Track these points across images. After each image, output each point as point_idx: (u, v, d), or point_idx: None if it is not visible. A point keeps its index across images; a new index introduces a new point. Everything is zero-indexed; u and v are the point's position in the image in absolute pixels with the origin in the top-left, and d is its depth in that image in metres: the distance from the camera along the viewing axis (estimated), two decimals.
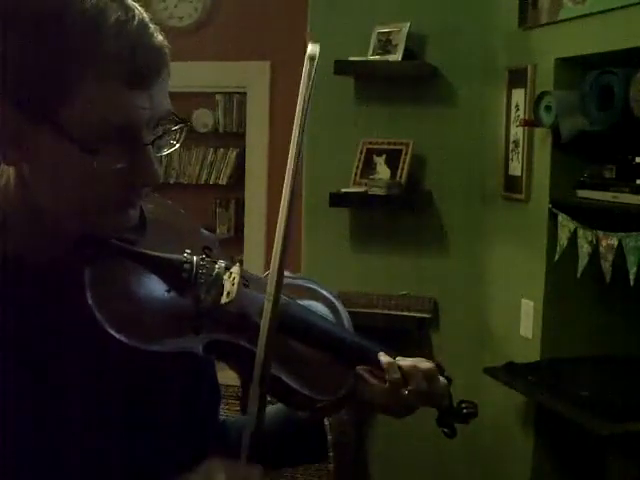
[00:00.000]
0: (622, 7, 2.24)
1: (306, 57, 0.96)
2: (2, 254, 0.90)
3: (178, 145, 0.93)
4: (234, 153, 5.12)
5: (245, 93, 4.76)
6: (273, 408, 1.16)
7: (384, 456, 3.13)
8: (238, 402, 3.16)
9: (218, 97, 5.06)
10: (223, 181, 5.17)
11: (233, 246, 4.75)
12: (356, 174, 3.08)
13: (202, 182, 5.19)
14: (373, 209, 3.09)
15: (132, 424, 0.95)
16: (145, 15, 0.86)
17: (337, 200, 3.00)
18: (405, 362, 1.12)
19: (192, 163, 5.19)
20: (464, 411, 1.18)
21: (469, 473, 3.10)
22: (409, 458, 3.15)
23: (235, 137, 5.08)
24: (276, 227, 0.95)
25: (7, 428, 0.86)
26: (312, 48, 0.96)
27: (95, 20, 0.81)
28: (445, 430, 1.18)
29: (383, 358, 1.10)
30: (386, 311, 3.05)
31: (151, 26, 0.86)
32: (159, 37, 0.86)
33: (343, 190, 3.04)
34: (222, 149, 5.16)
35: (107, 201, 0.88)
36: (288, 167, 0.95)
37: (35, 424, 0.88)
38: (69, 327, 0.90)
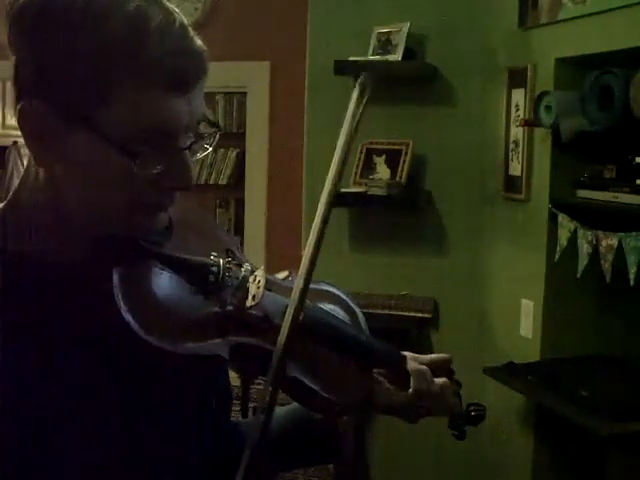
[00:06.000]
0: (622, 7, 2.24)
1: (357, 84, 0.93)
2: (26, 254, 0.90)
3: (211, 149, 0.92)
4: (234, 153, 5.12)
5: (245, 93, 4.76)
6: (283, 409, 1.16)
7: (384, 455, 3.13)
8: (238, 402, 3.17)
9: (218, 97, 5.07)
10: (223, 181, 5.18)
11: None
12: (356, 174, 3.09)
13: (202, 182, 5.19)
14: (373, 209, 3.09)
15: (141, 424, 0.95)
16: (184, 18, 0.85)
17: (337, 200, 2.99)
18: (425, 362, 1.13)
19: None
20: (472, 414, 1.19)
21: (469, 473, 3.10)
22: (409, 457, 3.15)
23: (235, 137, 5.08)
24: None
25: (7, 425, 0.86)
26: (364, 76, 0.93)
27: (138, 24, 0.81)
28: (455, 433, 1.19)
29: (412, 365, 1.11)
30: (386, 311, 3.05)
31: (190, 30, 0.85)
32: (198, 41, 0.86)
33: (343, 190, 3.04)
34: (222, 149, 5.17)
35: (139, 203, 0.88)
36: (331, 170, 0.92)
37: (37, 422, 0.88)
38: (90, 328, 0.90)
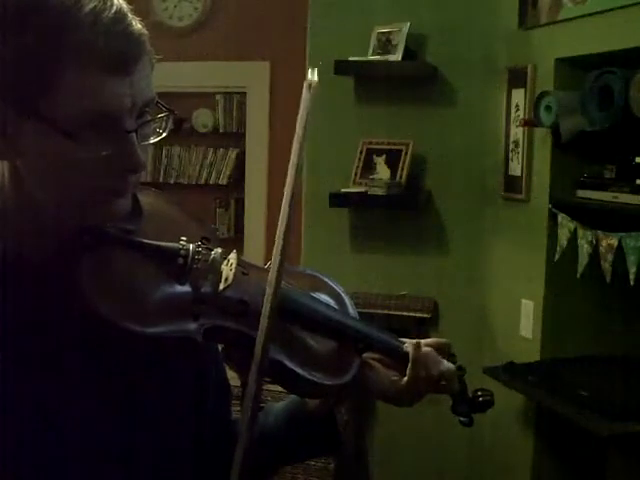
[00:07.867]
0: (622, 7, 2.24)
1: (305, 83, 0.98)
2: (8, 252, 0.90)
3: (165, 134, 0.93)
4: (234, 153, 5.11)
5: (245, 93, 4.76)
6: (277, 405, 1.16)
7: (385, 456, 3.13)
8: (238, 402, 3.17)
9: (218, 97, 5.06)
10: (223, 181, 5.17)
11: (233, 246, 4.73)
12: (356, 174, 3.08)
13: (202, 182, 5.19)
14: (373, 209, 3.08)
15: (134, 420, 0.95)
16: (124, 5, 0.87)
17: (337, 200, 3.00)
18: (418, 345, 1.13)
19: (192, 163, 5.19)
20: (480, 399, 1.17)
21: (469, 473, 3.10)
22: (409, 458, 3.14)
23: (235, 137, 5.08)
24: (276, 226, 0.96)
25: (7, 425, 0.86)
26: (311, 74, 0.98)
27: (71, 10, 0.82)
28: (461, 419, 1.17)
29: (411, 351, 1.11)
30: (386, 311, 3.05)
31: (129, 15, 0.87)
32: (137, 25, 0.87)
33: (343, 190, 3.04)
34: (222, 149, 5.16)
35: (94, 190, 0.88)
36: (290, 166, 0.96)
37: (36, 421, 0.88)
38: (69, 323, 0.91)
